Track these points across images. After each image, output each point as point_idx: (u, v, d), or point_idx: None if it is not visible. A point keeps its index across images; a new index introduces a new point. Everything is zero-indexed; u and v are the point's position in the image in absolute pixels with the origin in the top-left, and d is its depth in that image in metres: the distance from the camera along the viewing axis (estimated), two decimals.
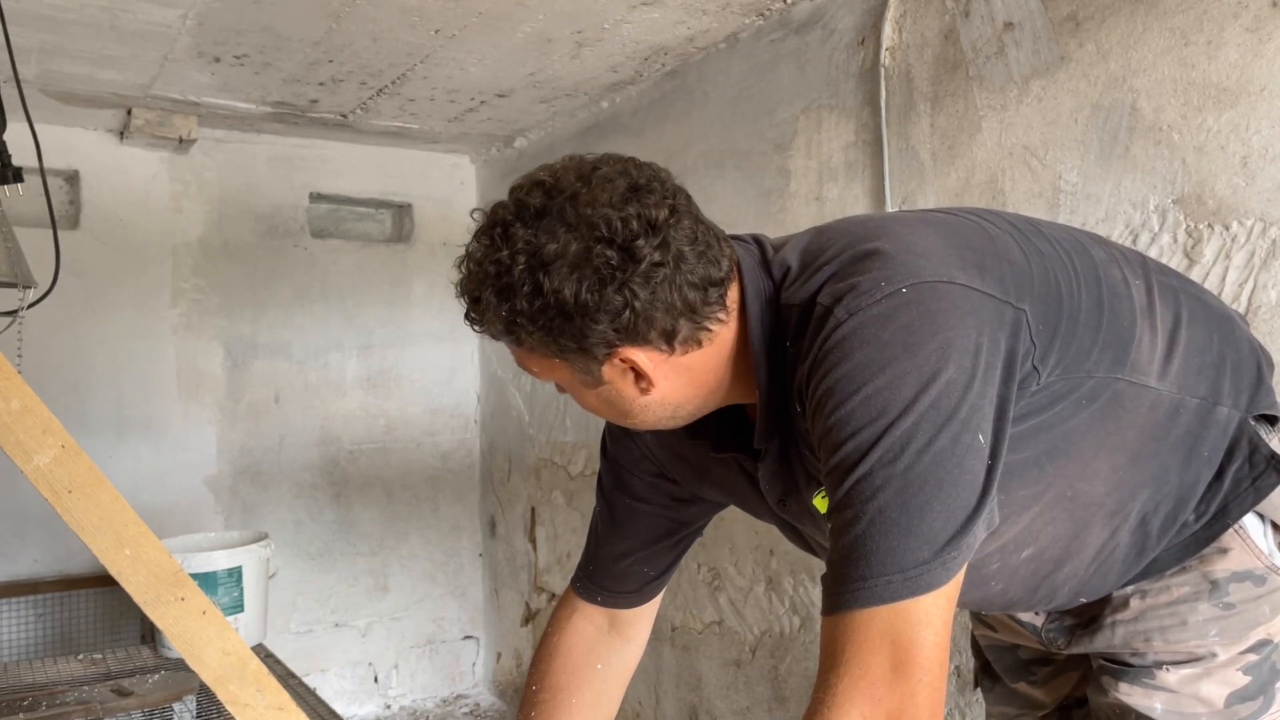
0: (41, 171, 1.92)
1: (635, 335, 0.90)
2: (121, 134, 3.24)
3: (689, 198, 0.95)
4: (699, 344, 0.94)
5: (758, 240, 1.01)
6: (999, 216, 1.02)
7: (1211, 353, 1.03)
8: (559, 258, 0.87)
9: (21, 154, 1.77)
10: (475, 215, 0.95)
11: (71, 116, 3.10)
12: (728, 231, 1.01)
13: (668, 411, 0.99)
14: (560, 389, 1.02)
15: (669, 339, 0.92)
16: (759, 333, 0.95)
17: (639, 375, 0.94)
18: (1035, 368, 0.90)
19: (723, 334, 0.95)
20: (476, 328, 0.96)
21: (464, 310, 0.96)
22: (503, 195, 0.95)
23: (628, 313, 0.88)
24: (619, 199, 0.89)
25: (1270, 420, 1.05)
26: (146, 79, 2.80)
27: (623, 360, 0.92)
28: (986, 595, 1.07)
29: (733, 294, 0.96)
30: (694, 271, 0.90)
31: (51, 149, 2.27)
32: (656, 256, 0.88)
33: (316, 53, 2.62)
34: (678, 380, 0.95)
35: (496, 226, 0.91)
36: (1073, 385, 0.94)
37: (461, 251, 0.95)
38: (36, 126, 1.83)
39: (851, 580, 0.81)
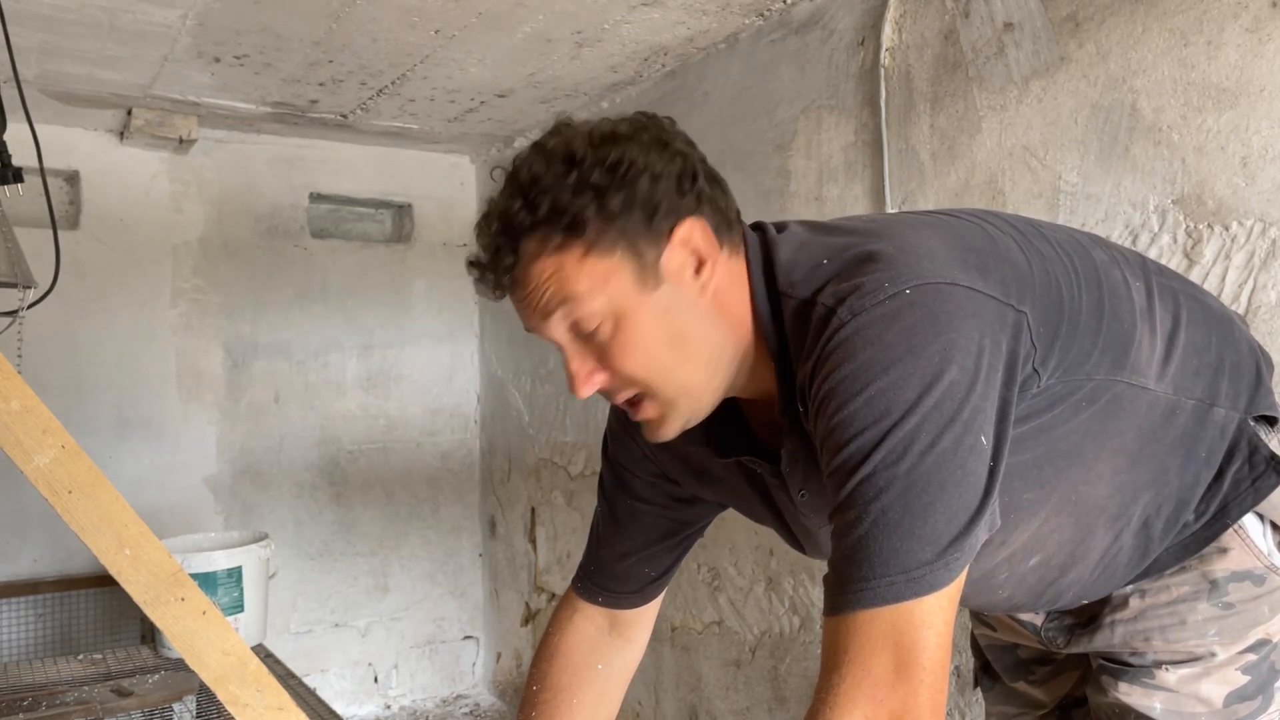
0: (41, 171, 1.92)
1: (696, 207, 0.92)
2: (121, 134, 3.24)
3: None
4: (737, 253, 0.96)
5: (757, 224, 1.02)
6: (1000, 218, 1.02)
7: (1210, 354, 1.03)
8: (614, 133, 0.90)
9: (21, 154, 1.77)
10: (495, 173, 0.97)
11: (71, 116, 3.10)
12: None
13: (714, 349, 0.94)
14: (591, 354, 0.93)
15: (718, 211, 0.94)
16: (762, 297, 0.95)
17: (699, 265, 0.92)
18: (1036, 370, 0.90)
19: (740, 270, 0.96)
20: (500, 275, 0.92)
21: (490, 248, 0.92)
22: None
23: (689, 179, 0.91)
24: (640, 117, 0.95)
25: (1270, 421, 1.05)
26: (146, 79, 2.80)
27: (683, 241, 0.91)
28: (993, 600, 1.08)
29: (739, 234, 0.99)
30: (721, 181, 0.97)
31: (51, 149, 2.27)
32: (684, 145, 0.94)
33: (316, 53, 2.62)
34: (725, 294, 0.94)
35: (536, 142, 0.93)
36: (1073, 387, 0.94)
37: (461, 254, 0.96)
38: (36, 126, 1.83)
39: (854, 581, 0.81)
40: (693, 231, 0.91)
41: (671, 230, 0.90)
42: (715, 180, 0.96)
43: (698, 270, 0.93)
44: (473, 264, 0.95)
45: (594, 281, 0.89)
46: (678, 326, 0.92)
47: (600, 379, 0.94)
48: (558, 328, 0.92)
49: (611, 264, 0.89)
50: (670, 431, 0.98)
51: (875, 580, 0.80)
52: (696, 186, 0.92)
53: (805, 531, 1.12)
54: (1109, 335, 0.96)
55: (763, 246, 0.98)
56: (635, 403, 0.96)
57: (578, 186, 0.88)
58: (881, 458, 0.81)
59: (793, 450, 0.98)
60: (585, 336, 0.92)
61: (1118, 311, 0.98)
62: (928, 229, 0.95)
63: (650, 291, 0.91)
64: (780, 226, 1.02)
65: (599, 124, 0.92)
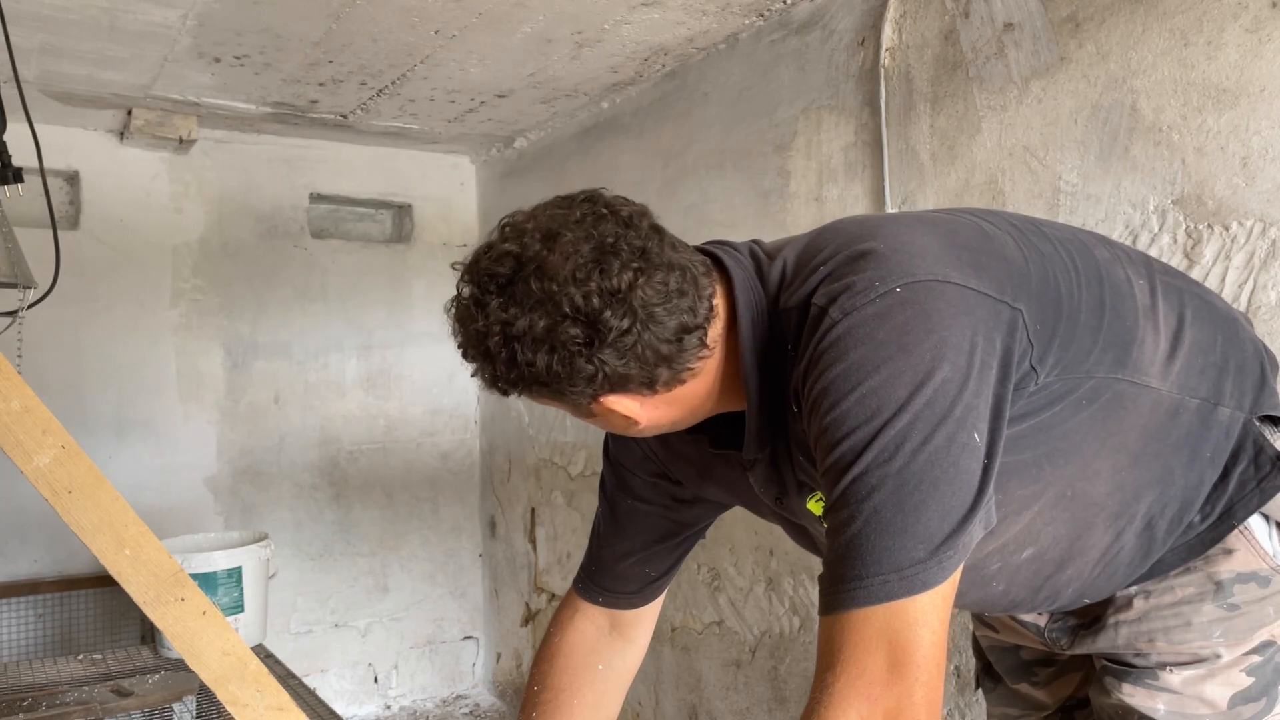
0: (41, 172, 1.92)
1: (613, 388, 0.93)
2: (121, 134, 3.24)
3: (662, 240, 0.92)
4: (682, 382, 0.95)
5: (752, 251, 1.01)
6: (999, 216, 1.02)
7: (1215, 353, 1.02)
8: (528, 333, 0.88)
9: (21, 154, 1.77)
10: (456, 267, 0.97)
11: (71, 117, 3.10)
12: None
13: (665, 427, 1.02)
14: None
15: (649, 385, 0.93)
16: (750, 347, 0.95)
17: (628, 420, 0.97)
18: (1033, 368, 0.90)
19: (708, 365, 0.96)
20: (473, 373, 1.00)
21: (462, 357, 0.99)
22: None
23: (600, 377, 0.90)
24: (583, 271, 0.87)
25: (1275, 421, 1.04)
26: (147, 79, 2.80)
27: (609, 404, 0.95)
28: (989, 596, 1.07)
29: (717, 327, 0.95)
30: (666, 326, 0.90)
31: (51, 149, 2.27)
32: (624, 324, 0.88)
33: (316, 53, 2.62)
34: (666, 409, 0.98)
35: (469, 302, 0.93)
36: (1072, 385, 0.94)
37: (460, 254, 0.97)
38: (36, 127, 1.83)
39: (848, 580, 0.81)
40: (613, 402, 0.94)
41: (591, 403, 0.95)
42: (649, 326, 0.89)
43: (626, 416, 0.97)
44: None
45: (540, 401, 0.98)
46: (619, 428, 1.02)
47: None
48: None
49: (548, 403, 0.97)
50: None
51: (869, 579, 0.80)
52: (609, 378, 0.91)
53: (798, 530, 1.13)
54: (1110, 333, 0.96)
55: (758, 280, 0.98)
56: None
57: (494, 378, 0.94)
58: (873, 456, 0.81)
59: (763, 472, 1.03)
60: None
61: (1119, 309, 0.98)
62: (921, 227, 0.95)
63: (588, 416, 0.99)
64: (778, 246, 1.02)
65: (522, 303, 0.88)
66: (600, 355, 0.89)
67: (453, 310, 0.96)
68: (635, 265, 0.89)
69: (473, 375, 0.98)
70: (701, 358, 0.94)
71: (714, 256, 0.99)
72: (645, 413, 0.97)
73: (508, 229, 0.93)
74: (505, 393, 0.96)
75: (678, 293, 0.91)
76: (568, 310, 0.87)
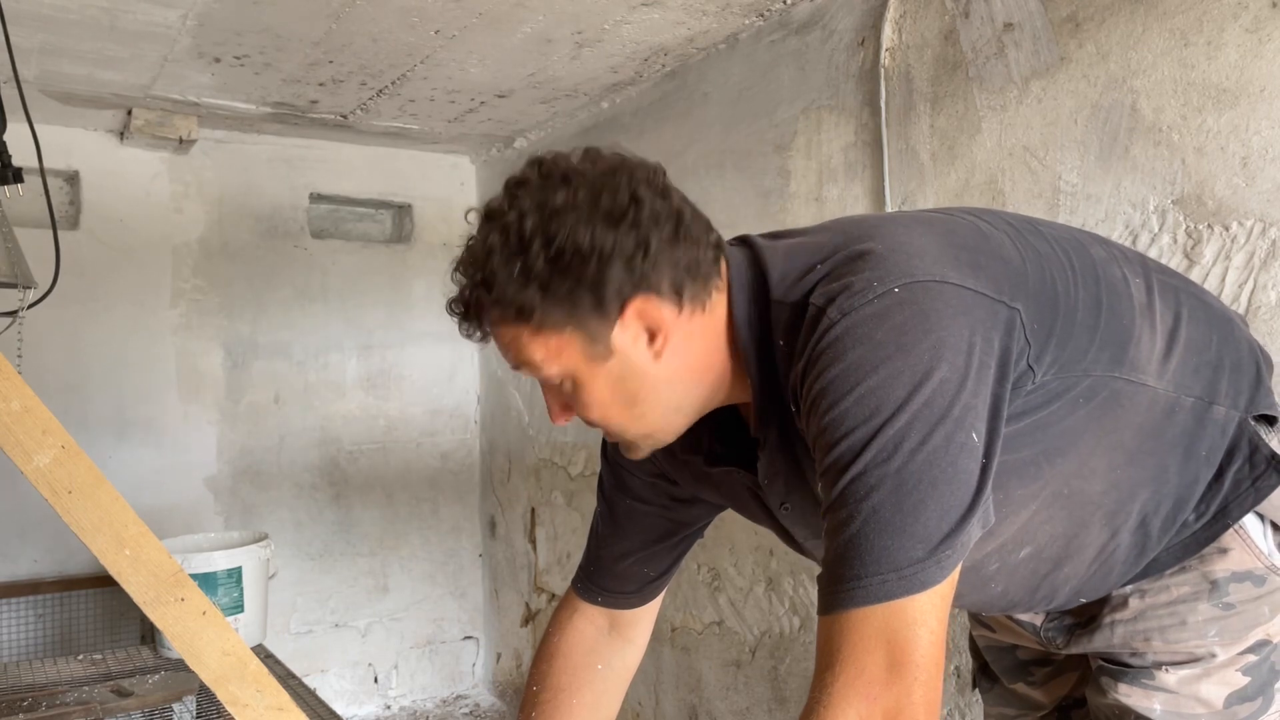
0: (41, 172, 1.92)
1: (647, 282, 0.90)
2: (121, 134, 3.24)
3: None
4: (703, 307, 0.95)
5: (746, 240, 1.02)
6: (996, 216, 1.02)
7: (1210, 352, 1.02)
8: (568, 207, 0.89)
9: (21, 154, 1.77)
10: (470, 216, 0.97)
11: (71, 117, 3.11)
12: (726, 234, 1.02)
13: (675, 397, 0.98)
14: (560, 407, 1.00)
15: (679, 292, 0.92)
16: (745, 322, 0.96)
17: (652, 336, 0.93)
18: (1030, 367, 0.90)
19: (720, 306, 0.96)
20: (473, 329, 0.96)
21: (461, 309, 0.95)
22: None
23: (640, 254, 0.89)
24: (615, 163, 0.94)
25: (1270, 421, 1.05)
26: (147, 79, 2.80)
27: (637, 314, 0.91)
28: (987, 597, 1.07)
29: (723, 271, 0.98)
30: (694, 227, 0.93)
31: (51, 149, 2.27)
32: (660, 204, 0.91)
33: (316, 53, 2.62)
34: (687, 349, 0.95)
35: (496, 205, 0.93)
36: (1069, 384, 0.94)
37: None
38: (36, 127, 1.83)
39: (846, 580, 0.81)
40: (644, 307, 0.92)
41: (622, 308, 0.91)
42: (678, 230, 0.93)
43: (651, 340, 0.94)
44: (452, 314, 0.98)
45: (547, 353, 0.93)
46: (630, 390, 0.96)
47: (570, 416, 1.00)
48: (528, 375, 0.98)
49: (561, 339, 0.92)
50: (640, 455, 1.04)
51: (867, 579, 0.80)
52: (650, 258, 0.90)
53: (793, 540, 1.13)
54: (1107, 331, 0.96)
55: (753, 264, 0.98)
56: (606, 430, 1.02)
57: (523, 278, 0.89)
58: (872, 456, 0.81)
59: (771, 466, 1.00)
60: (552, 385, 0.98)
61: (1116, 308, 0.98)
62: (919, 227, 0.95)
63: (601, 363, 0.94)
64: (774, 236, 1.02)
65: (557, 187, 0.91)
66: (642, 225, 0.89)
67: (465, 246, 0.95)
68: (662, 174, 0.95)
69: (474, 310, 0.93)
70: (718, 288, 0.96)
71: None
72: (672, 333, 0.93)
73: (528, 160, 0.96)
74: (525, 302, 0.89)
75: (693, 210, 0.96)
76: (608, 182, 0.90)
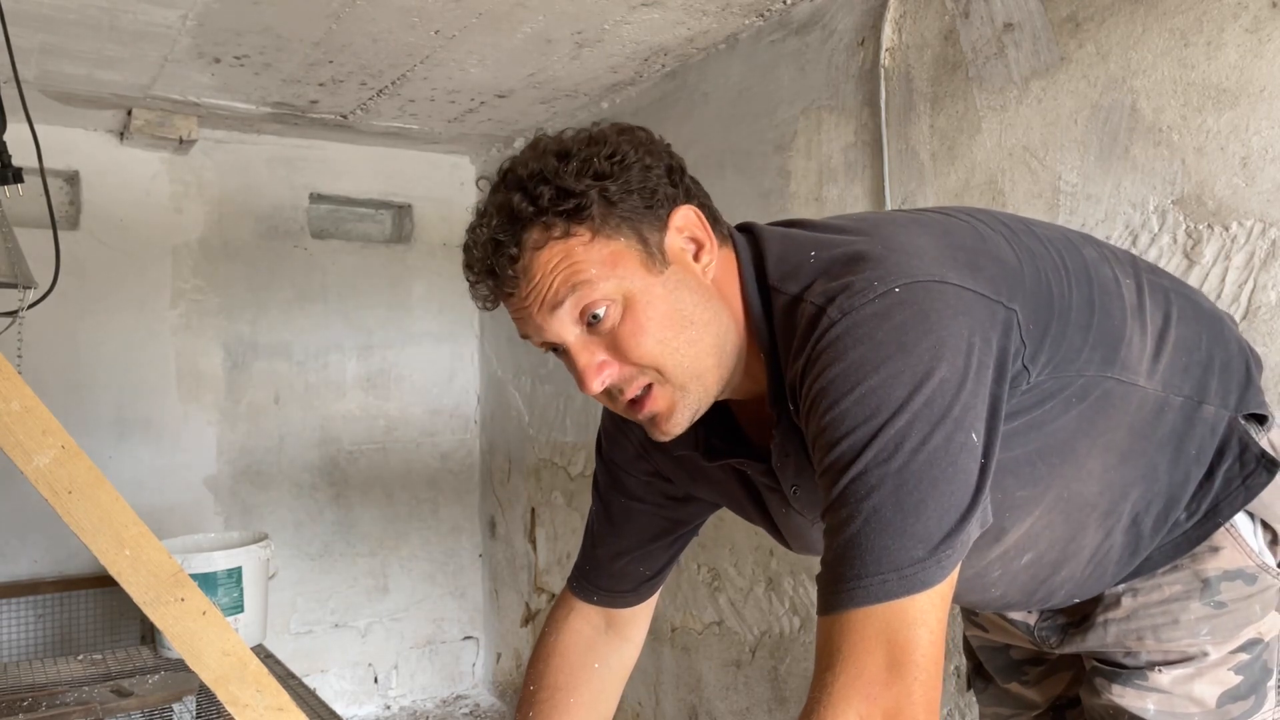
0: (41, 172, 1.92)
1: (685, 193, 0.95)
2: (121, 134, 3.24)
3: None
4: (725, 242, 0.98)
5: (747, 225, 1.04)
6: (991, 216, 1.02)
7: (1200, 352, 1.03)
8: (603, 134, 0.93)
9: (21, 154, 1.77)
10: (481, 184, 0.99)
11: (71, 117, 3.11)
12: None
13: (718, 335, 0.94)
14: (599, 343, 0.92)
15: (705, 208, 0.97)
16: (753, 294, 0.97)
17: (698, 247, 0.95)
18: (1025, 367, 0.91)
19: (732, 260, 0.99)
20: (504, 271, 0.89)
21: (491, 247, 0.90)
22: None
23: (674, 171, 0.94)
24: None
25: (1260, 420, 1.05)
26: (146, 79, 2.80)
27: (681, 225, 0.94)
28: (985, 598, 1.08)
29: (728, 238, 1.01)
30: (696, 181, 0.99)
31: (51, 149, 2.27)
32: (667, 147, 0.97)
33: (316, 53, 2.62)
34: (722, 279, 0.97)
35: (508, 163, 0.96)
36: (1063, 384, 0.94)
37: (460, 254, 0.96)
38: (36, 127, 1.83)
39: (846, 579, 0.81)
40: (689, 217, 0.94)
41: (669, 216, 0.93)
42: (698, 183, 1.00)
43: (696, 255, 0.95)
44: (469, 266, 0.94)
45: (603, 265, 0.90)
46: (685, 307, 0.93)
47: (610, 372, 0.93)
48: (565, 320, 0.91)
49: (618, 247, 0.90)
50: (678, 424, 0.97)
51: (867, 578, 0.80)
52: (685, 179, 0.96)
53: (794, 530, 1.12)
54: (1099, 332, 0.97)
55: (752, 245, 0.99)
56: (641, 399, 0.95)
57: (578, 173, 0.89)
58: (873, 456, 0.81)
59: (783, 444, 0.98)
60: (593, 326, 0.91)
61: (1108, 308, 0.98)
62: (917, 227, 0.96)
63: (657, 273, 0.92)
64: (767, 228, 1.02)
65: (582, 129, 0.96)
66: (668, 151, 0.95)
67: (478, 215, 0.94)
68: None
69: (509, 238, 0.88)
70: (726, 233, 1.00)
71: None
72: (713, 249, 0.95)
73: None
74: (584, 200, 0.87)
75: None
76: (623, 129, 0.95)
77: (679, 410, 0.96)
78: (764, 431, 1.02)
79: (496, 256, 0.91)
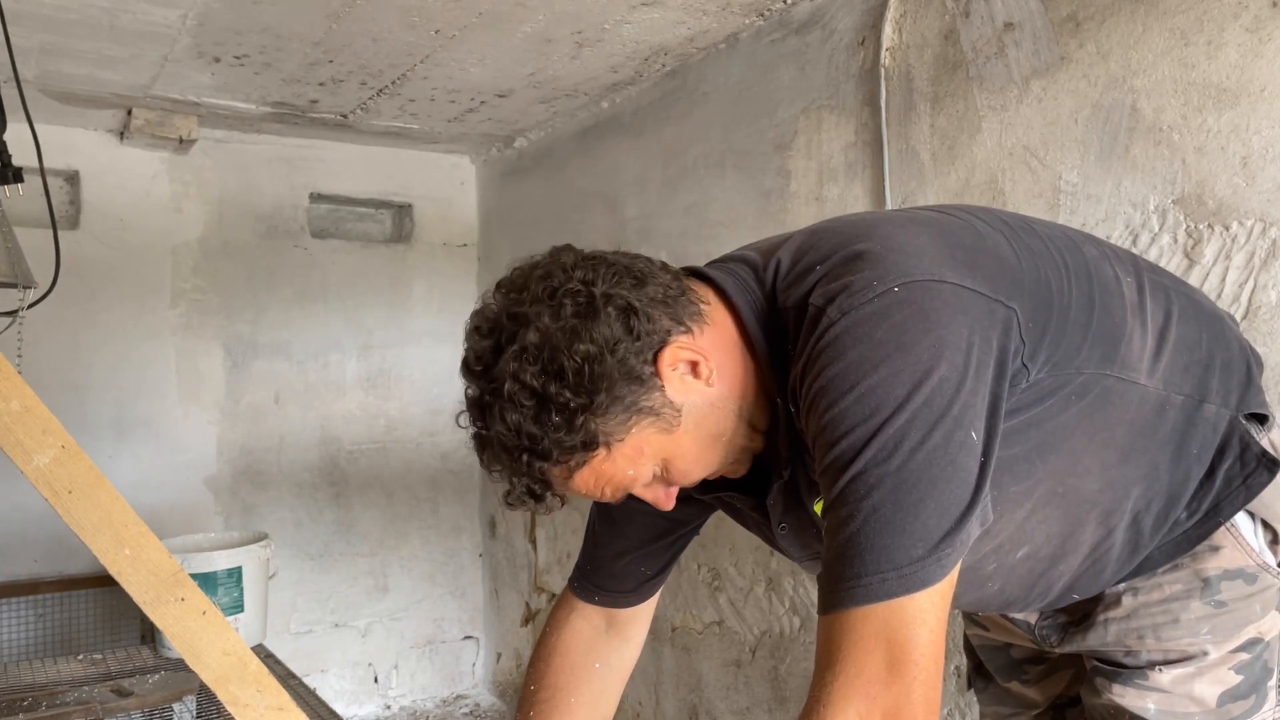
0: (41, 171, 1.92)
1: (656, 334, 0.91)
2: (121, 134, 3.24)
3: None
4: (704, 320, 0.95)
5: (741, 258, 1.02)
6: (990, 214, 1.02)
7: (1200, 350, 1.03)
8: (545, 335, 0.88)
9: (21, 154, 1.77)
10: (461, 421, 0.98)
11: (71, 116, 3.10)
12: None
13: (735, 406, 0.97)
14: (664, 494, 1.00)
15: (679, 320, 0.93)
16: (756, 336, 0.96)
17: (694, 367, 0.94)
18: (1024, 365, 0.91)
19: (718, 318, 0.97)
20: (552, 499, 0.95)
21: (532, 495, 0.94)
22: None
23: (631, 318, 0.90)
24: (538, 273, 0.94)
25: (1261, 419, 1.05)
26: (146, 79, 2.80)
27: (670, 364, 0.92)
28: (984, 596, 1.08)
29: (697, 287, 0.98)
30: (636, 265, 0.95)
31: (51, 149, 2.27)
32: (605, 271, 0.93)
33: (316, 53, 2.62)
34: (723, 364, 0.96)
35: (482, 394, 0.92)
36: (1062, 381, 0.94)
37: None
38: (36, 126, 1.83)
39: (846, 579, 0.81)
40: (672, 353, 0.92)
41: (657, 370, 0.91)
42: (636, 277, 0.93)
43: (695, 372, 0.94)
44: (518, 502, 0.96)
45: (632, 458, 0.93)
46: (710, 428, 0.96)
47: (675, 493, 1.01)
48: (624, 495, 0.98)
49: (635, 440, 0.92)
50: (742, 468, 1.05)
51: (867, 577, 0.80)
52: (641, 315, 0.91)
53: (786, 542, 1.13)
54: (1099, 330, 0.97)
55: (754, 279, 0.98)
56: None
57: (569, 423, 0.88)
58: (872, 455, 0.81)
59: (783, 485, 1.00)
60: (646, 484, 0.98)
61: (1108, 306, 0.98)
62: (916, 227, 0.96)
63: (677, 428, 0.94)
64: (775, 244, 1.02)
65: (522, 328, 0.90)
66: (612, 301, 0.90)
67: (481, 441, 0.95)
68: (572, 250, 0.96)
69: (543, 489, 0.92)
70: (704, 301, 0.96)
71: (698, 273, 1.02)
72: (704, 349, 0.93)
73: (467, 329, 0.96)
74: (589, 433, 0.88)
75: (623, 254, 0.96)
76: (551, 288, 0.90)
77: (740, 468, 1.05)
78: (760, 459, 1.03)
79: (530, 493, 0.94)
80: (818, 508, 1.00)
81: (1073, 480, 0.98)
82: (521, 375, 0.88)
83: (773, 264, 0.98)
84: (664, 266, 0.98)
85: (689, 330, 0.93)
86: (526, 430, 0.89)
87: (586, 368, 0.87)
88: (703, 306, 0.96)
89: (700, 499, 1.20)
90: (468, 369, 0.94)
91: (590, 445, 0.90)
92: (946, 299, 0.86)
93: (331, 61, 2.69)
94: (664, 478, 0.98)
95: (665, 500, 1.00)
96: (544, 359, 0.88)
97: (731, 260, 1.02)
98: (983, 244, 0.95)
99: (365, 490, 3.78)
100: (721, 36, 2.57)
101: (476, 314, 0.95)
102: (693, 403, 0.94)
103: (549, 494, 0.94)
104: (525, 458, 0.90)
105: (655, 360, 0.91)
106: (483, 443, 0.94)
